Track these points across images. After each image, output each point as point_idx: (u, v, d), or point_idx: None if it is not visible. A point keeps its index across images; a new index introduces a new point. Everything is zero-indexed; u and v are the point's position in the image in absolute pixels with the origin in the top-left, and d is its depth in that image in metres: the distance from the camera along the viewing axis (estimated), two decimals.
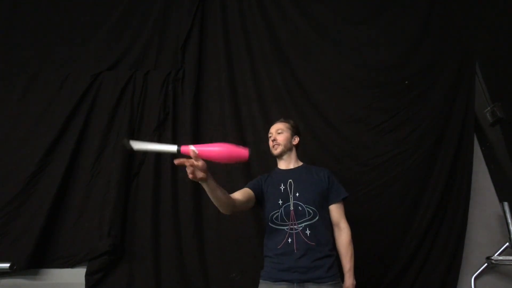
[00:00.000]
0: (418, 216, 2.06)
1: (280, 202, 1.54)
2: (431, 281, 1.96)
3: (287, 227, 1.49)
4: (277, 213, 1.53)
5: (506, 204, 2.02)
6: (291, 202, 1.54)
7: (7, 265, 1.81)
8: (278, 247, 1.47)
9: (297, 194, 1.55)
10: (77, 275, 1.90)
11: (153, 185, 2.08)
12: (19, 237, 1.95)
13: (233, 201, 1.40)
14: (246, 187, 1.59)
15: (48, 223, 1.95)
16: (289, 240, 1.47)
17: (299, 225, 1.49)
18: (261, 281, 1.49)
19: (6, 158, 2.13)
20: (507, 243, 1.97)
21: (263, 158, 2.12)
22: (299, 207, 1.52)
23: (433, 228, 2.04)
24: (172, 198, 2.06)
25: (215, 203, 1.32)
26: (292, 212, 1.52)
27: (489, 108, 2.27)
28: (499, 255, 1.96)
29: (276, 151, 1.67)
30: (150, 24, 2.51)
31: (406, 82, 2.33)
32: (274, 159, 1.88)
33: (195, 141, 2.18)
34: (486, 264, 1.99)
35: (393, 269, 1.98)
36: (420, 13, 2.49)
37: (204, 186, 1.24)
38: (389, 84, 2.32)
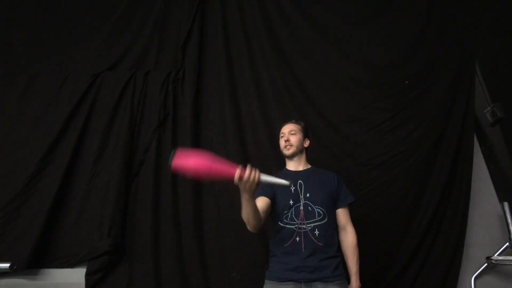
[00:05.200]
0: (418, 216, 2.06)
1: (291, 202, 1.54)
2: (431, 281, 1.96)
3: (296, 225, 1.50)
4: (287, 213, 1.53)
5: (506, 204, 2.02)
6: (302, 202, 1.54)
7: (7, 265, 1.82)
8: (286, 245, 1.48)
9: (308, 195, 1.56)
10: (77, 275, 1.90)
11: (153, 185, 2.08)
12: (19, 237, 1.95)
13: (260, 215, 1.44)
14: (261, 195, 1.55)
15: (48, 223, 1.96)
16: (297, 238, 1.48)
17: (308, 225, 1.50)
18: (266, 281, 1.49)
19: (6, 158, 2.13)
20: (507, 243, 1.97)
21: (263, 158, 2.12)
22: (309, 207, 1.53)
23: (433, 228, 2.04)
24: (172, 198, 2.06)
25: (249, 216, 1.37)
26: (302, 212, 1.52)
27: (489, 108, 2.27)
28: (499, 255, 1.96)
29: (288, 151, 1.66)
30: (150, 24, 2.51)
31: (406, 82, 2.33)
32: (274, 158, 1.88)
33: (195, 141, 2.18)
34: (486, 264, 1.99)
35: (393, 269, 1.98)
36: (420, 13, 2.49)
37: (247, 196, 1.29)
38: (389, 84, 2.32)
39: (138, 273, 1.92)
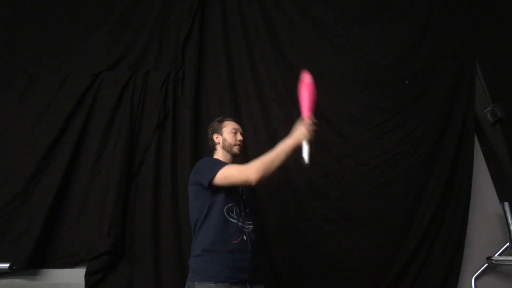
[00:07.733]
0: (418, 216, 2.06)
1: (237, 197, 1.53)
2: (431, 281, 1.96)
3: (241, 224, 1.46)
4: (234, 206, 1.47)
5: (506, 204, 2.02)
6: (242, 200, 1.55)
7: (7, 265, 1.81)
8: (235, 241, 1.39)
9: (244, 197, 1.58)
10: (77, 275, 1.89)
11: (153, 185, 2.07)
12: (19, 237, 1.94)
13: None
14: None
15: (48, 223, 1.95)
16: (244, 237, 1.44)
17: (249, 226, 1.50)
18: (213, 284, 1.30)
19: (6, 158, 2.13)
20: (508, 243, 1.97)
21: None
22: (247, 210, 1.54)
23: (433, 228, 2.04)
24: (172, 198, 2.06)
25: (278, 167, 1.42)
26: (244, 212, 1.52)
27: (489, 108, 2.27)
28: (499, 255, 1.96)
29: (238, 152, 1.70)
30: (150, 24, 2.50)
31: (406, 82, 2.33)
32: None
33: (195, 141, 2.17)
34: (486, 264, 1.99)
35: (393, 269, 1.98)
36: (420, 13, 2.49)
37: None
38: (389, 84, 2.32)
39: (138, 273, 1.91)
